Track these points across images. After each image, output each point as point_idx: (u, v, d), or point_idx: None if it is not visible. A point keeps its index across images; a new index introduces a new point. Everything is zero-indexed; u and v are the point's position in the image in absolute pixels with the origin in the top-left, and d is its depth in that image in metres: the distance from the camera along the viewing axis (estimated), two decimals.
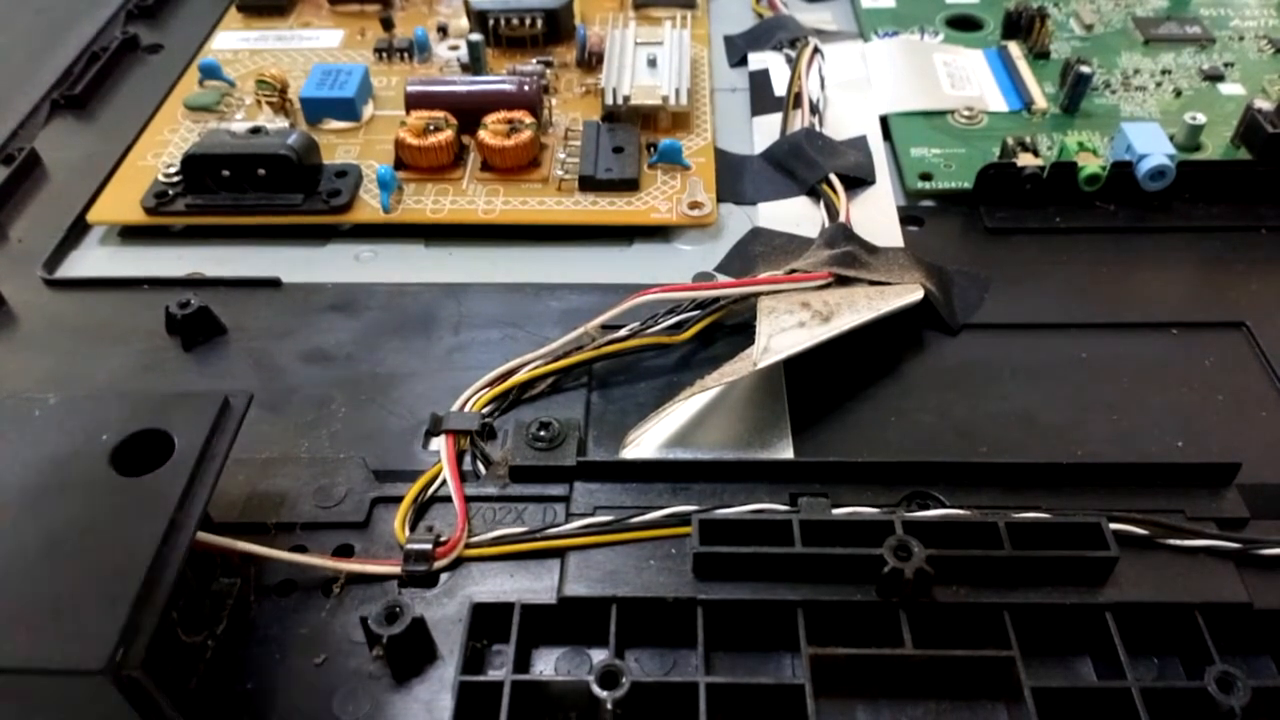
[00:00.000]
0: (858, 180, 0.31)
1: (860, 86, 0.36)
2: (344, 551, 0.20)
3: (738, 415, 0.24)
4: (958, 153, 0.33)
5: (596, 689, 0.17)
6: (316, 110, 0.34)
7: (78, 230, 0.31)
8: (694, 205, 0.31)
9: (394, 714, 0.19)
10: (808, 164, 0.32)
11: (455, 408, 0.24)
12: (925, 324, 0.27)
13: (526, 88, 0.33)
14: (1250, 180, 0.30)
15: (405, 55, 0.38)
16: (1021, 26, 0.38)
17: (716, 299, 0.26)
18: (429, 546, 0.20)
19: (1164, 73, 0.36)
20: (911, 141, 0.33)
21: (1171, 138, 0.31)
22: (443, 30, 0.39)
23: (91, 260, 0.30)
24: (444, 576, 0.20)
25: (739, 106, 0.36)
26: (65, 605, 0.16)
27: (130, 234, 0.31)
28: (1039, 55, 0.37)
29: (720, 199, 0.31)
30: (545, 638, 0.20)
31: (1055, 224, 0.30)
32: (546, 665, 0.20)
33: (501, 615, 0.19)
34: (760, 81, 0.37)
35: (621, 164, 0.32)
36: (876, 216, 0.30)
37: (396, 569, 0.20)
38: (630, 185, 0.31)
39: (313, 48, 0.39)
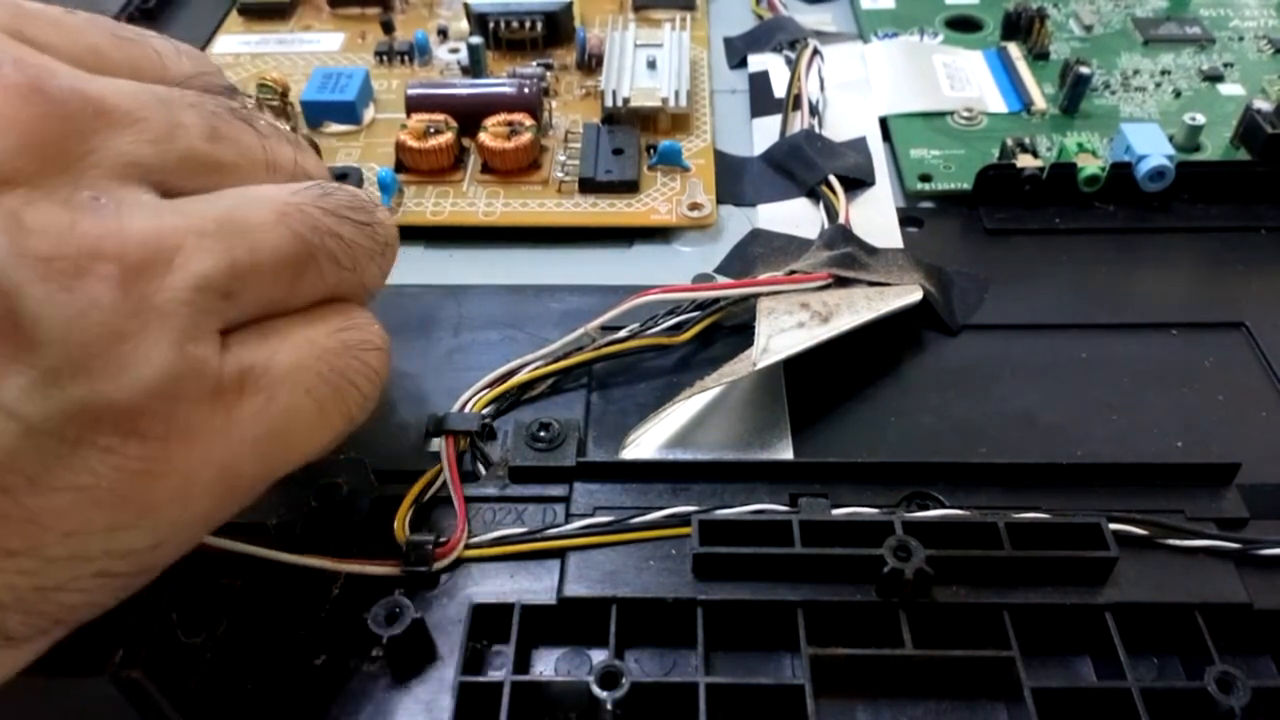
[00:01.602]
0: (857, 182, 0.31)
1: (860, 88, 0.36)
2: (344, 551, 0.20)
3: (737, 416, 0.24)
4: (957, 154, 0.33)
5: (596, 689, 0.17)
6: (317, 113, 0.34)
7: None
8: (694, 207, 0.31)
9: (394, 714, 0.19)
10: (807, 165, 0.32)
11: (455, 408, 0.24)
12: (925, 324, 0.27)
13: (526, 90, 0.33)
14: (1250, 181, 0.30)
15: (405, 58, 0.38)
16: (1021, 27, 0.38)
17: (716, 300, 0.26)
18: (429, 547, 0.20)
19: (1163, 73, 0.36)
20: (911, 143, 0.33)
21: (1171, 138, 0.31)
22: (443, 33, 0.39)
23: None
24: (444, 577, 0.20)
25: (738, 108, 0.36)
26: None
27: None
28: (1038, 56, 0.37)
29: (720, 201, 0.31)
30: (545, 638, 0.20)
31: (1055, 225, 0.30)
32: (546, 666, 0.20)
33: (501, 616, 0.19)
34: (760, 83, 0.37)
35: (621, 166, 0.32)
36: (876, 218, 0.30)
37: (396, 569, 0.20)
38: (630, 187, 0.31)
39: (313, 51, 0.39)
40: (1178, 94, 0.35)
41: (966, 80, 0.36)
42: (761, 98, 0.36)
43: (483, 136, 0.31)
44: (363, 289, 0.19)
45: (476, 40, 0.36)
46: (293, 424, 0.17)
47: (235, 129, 0.18)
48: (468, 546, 0.21)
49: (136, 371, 0.14)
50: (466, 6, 0.38)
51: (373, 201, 0.20)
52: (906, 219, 0.31)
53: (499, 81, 0.34)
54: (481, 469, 0.23)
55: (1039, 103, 0.34)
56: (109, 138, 0.15)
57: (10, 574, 0.13)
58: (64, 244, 0.14)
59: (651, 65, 0.35)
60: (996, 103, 0.35)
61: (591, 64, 0.37)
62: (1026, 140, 0.32)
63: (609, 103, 0.33)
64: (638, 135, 0.33)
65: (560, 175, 0.32)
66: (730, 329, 0.27)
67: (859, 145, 0.33)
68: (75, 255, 0.14)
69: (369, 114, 0.35)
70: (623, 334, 0.25)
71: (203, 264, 0.15)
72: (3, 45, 0.15)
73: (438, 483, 0.22)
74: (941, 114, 0.34)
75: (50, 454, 0.13)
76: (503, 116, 0.32)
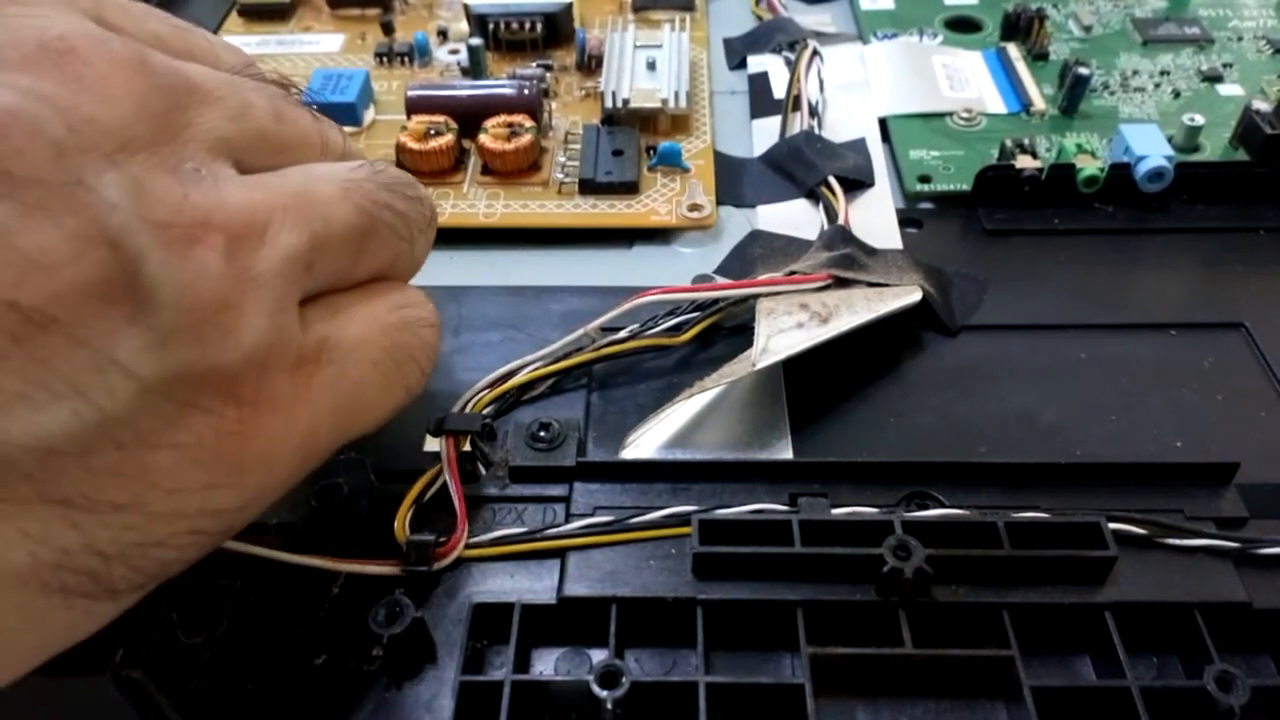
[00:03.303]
0: (857, 183, 0.32)
1: (859, 89, 0.36)
2: (344, 551, 0.20)
3: (737, 416, 0.24)
4: (956, 155, 0.33)
5: (596, 689, 0.17)
6: None
7: None
8: (693, 208, 0.31)
9: (394, 714, 0.19)
10: (807, 166, 0.32)
11: (455, 409, 0.24)
12: (924, 325, 0.27)
13: (526, 91, 0.33)
14: (1248, 181, 0.30)
15: (406, 59, 0.38)
16: (1020, 28, 0.38)
17: (716, 301, 0.26)
18: (429, 547, 0.20)
19: (1162, 74, 0.36)
20: (910, 144, 0.33)
21: (1170, 139, 0.31)
22: (443, 34, 0.39)
23: None
24: (444, 576, 0.20)
25: (738, 109, 0.37)
26: None
27: None
28: (1038, 57, 0.37)
29: (720, 202, 0.32)
30: (545, 638, 0.20)
31: (1054, 225, 0.30)
32: (546, 665, 0.20)
33: (501, 615, 0.19)
34: (759, 84, 0.37)
35: (621, 167, 0.32)
36: (875, 219, 0.30)
37: (396, 569, 0.20)
38: (630, 188, 0.31)
39: (313, 52, 0.39)
40: (1177, 94, 0.35)
41: (966, 81, 0.36)
42: (761, 99, 0.36)
43: (483, 138, 0.32)
44: (414, 261, 0.20)
45: (476, 41, 0.36)
46: (361, 394, 0.18)
47: (295, 112, 0.19)
48: (468, 546, 0.21)
49: (237, 338, 0.15)
50: (466, 7, 0.38)
51: (414, 179, 0.21)
52: (906, 220, 0.31)
53: (499, 83, 0.34)
54: (482, 469, 0.23)
55: (1038, 103, 0.34)
56: (200, 113, 0.16)
57: (117, 528, 0.14)
58: (180, 213, 0.14)
59: (651, 66, 0.35)
60: (996, 103, 0.35)
61: (591, 65, 0.37)
62: (1026, 141, 0.32)
63: (609, 104, 0.33)
64: (637, 136, 0.33)
65: (560, 176, 0.32)
66: (730, 330, 0.27)
67: (858, 146, 0.33)
68: (189, 224, 0.15)
69: (369, 115, 0.35)
70: (623, 335, 0.26)
71: (290, 237, 0.16)
72: (96, 28, 0.15)
73: (438, 483, 0.22)
74: (941, 115, 0.34)
75: (159, 413, 0.14)
76: (503, 118, 0.32)
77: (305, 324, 0.17)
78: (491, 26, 0.38)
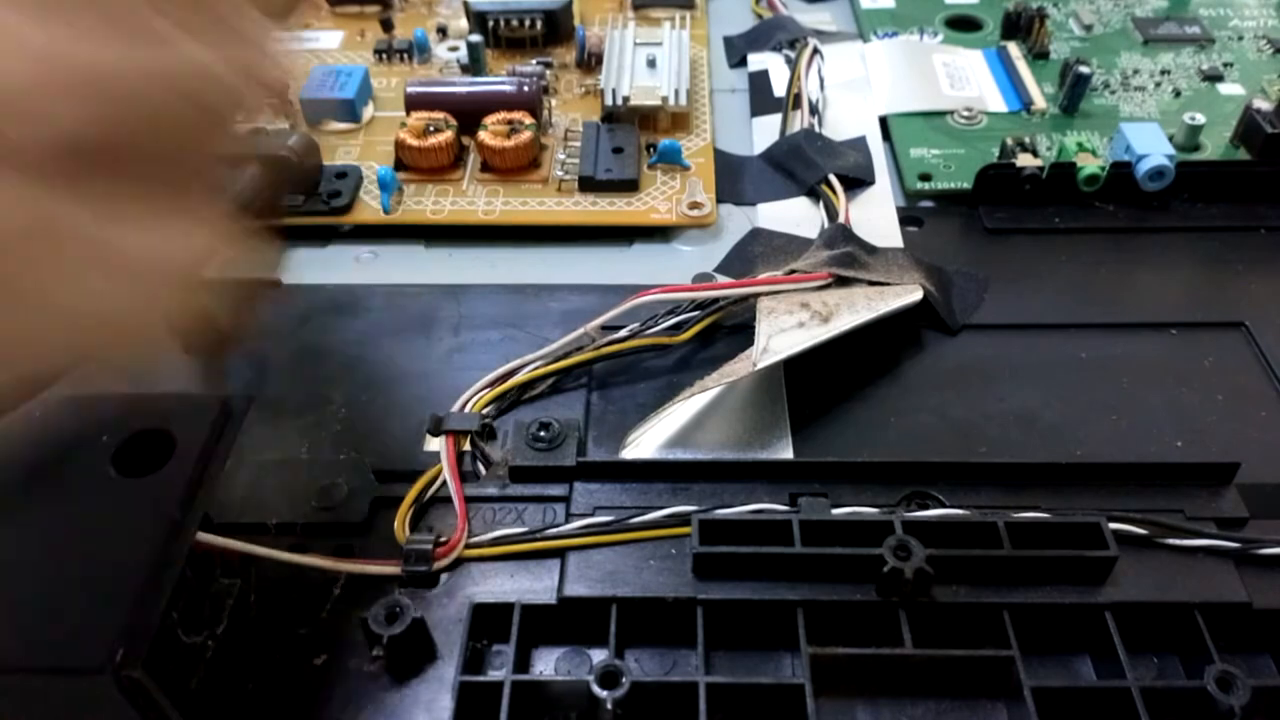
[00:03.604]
0: (857, 181, 0.31)
1: (860, 87, 0.36)
2: (344, 552, 0.20)
3: (737, 415, 0.24)
4: (957, 153, 0.33)
5: (596, 689, 0.17)
6: (316, 111, 0.34)
7: None
8: (694, 206, 0.31)
9: (394, 714, 0.19)
10: (807, 165, 0.32)
11: (455, 408, 0.24)
12: (924, 324, 0.27)
13: (526, 88, 0.33)
14: (1249, 180, 0.30)
15: (405, 56, 0.38)
16: (1021, 27, 0.38)
17: (716, 300, 0.26)
18: (429, 547, 0.20)
19: (1163, 73, 0.36)
20: (911, 142, 0.33)
21: (1171, 138, 0.31)
22: (442, 31, 0.39)
23: None
24: (444, 577, 0.20)
25: (738, 107, 0.36)
26: (66, 605, 0.16)
27: None
28: (1038, 55, 0.37)
29: (720, 199, 0.31)
30: (545, 638, 0.20)
31: (1054, 224, 0.30)
32: (546, 665, 0.20)
33: (501, 615, 0.19)
34: (760, 82, 0.37)
35: (621, 164, 0.32)
36: (876, 217, 0.30)
37: (396, 569, 0.20)
38: (630, 186, 0.31)
39: (313, 49, 0.39)
40: (1177, 93, 0.35)
41: (966, 80, 0.36)
42: (761, 97, 0.36)
43: (482, 135, 0.31)
44: (237, 142, 0.19)
45: (476, 38, 0.36)
46: (118, 318, 0.16)
47: None
48: (468, 546, 0.21)
49: None
50: (466, 4, 0.38)
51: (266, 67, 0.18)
52: (906, 218, 0.31)
53: (498, 80, 0.34)
54: (481, 469, 0.23)
55: (1039, 102, 0.34)
56: None
57: None
58: None
59: (651, 64, 0.35)
60: (996, 102, 0.35)
61: (591, 62, 0.37)
62: (1026, 140, 0.32)
63: (609, 101, 0.33)
64: (637, 134, 0.33)
65: (560, 174, 0.32)
66: (730, 329, 0.27)
67: (859, 144, 0.33)
68: None
69: (368, 112, 0.35)
70: (623, 334, 0.25)
71: (67, 116, 0.14)
72: None
73: (438, 483, 0.22)
74: (941, 113, 0.34)
75: None
76: (502, 115, 0.32)
77: (82, 217, 0.15)
78: (491, 23, 0.38)
